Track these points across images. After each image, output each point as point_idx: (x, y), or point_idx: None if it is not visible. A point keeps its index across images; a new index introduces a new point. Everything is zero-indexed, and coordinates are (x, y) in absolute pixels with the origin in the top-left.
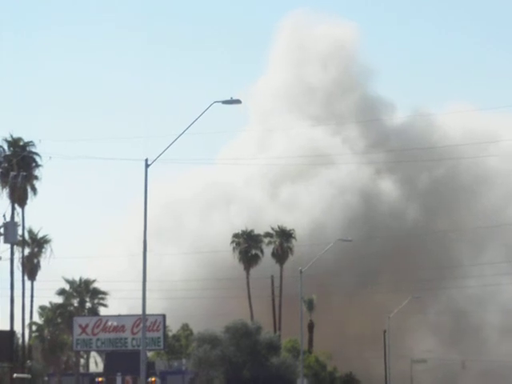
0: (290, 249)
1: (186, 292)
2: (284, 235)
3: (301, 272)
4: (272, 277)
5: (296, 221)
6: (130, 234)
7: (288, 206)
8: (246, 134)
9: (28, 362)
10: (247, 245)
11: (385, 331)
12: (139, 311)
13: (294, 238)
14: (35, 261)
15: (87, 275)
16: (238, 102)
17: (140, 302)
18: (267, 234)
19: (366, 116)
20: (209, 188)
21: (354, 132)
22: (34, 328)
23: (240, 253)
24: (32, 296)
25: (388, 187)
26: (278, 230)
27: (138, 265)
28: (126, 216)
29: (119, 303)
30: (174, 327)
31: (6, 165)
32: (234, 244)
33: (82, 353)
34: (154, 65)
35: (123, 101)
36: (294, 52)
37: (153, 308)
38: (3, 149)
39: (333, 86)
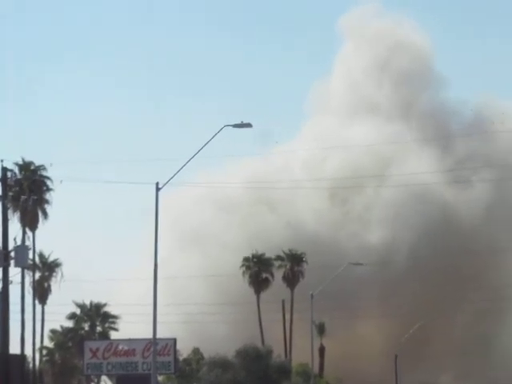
0: (301, 273)
1: (195, 316)
2: (295, 259)
3: (312, 296)
4: (283, 301)
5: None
6: (142, 257)
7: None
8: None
9: None
10: (257, 268)
11: (396, 356)
12: (151, 335)
13: (306, 261)
14: (46, 285)
15: (98, 299)
16: (248, 125)
17: (151, 325)
18: (278, 258)
19: (443, 125)
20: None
21: (438, 148)
22: (44, 352)
23: (250, 276)
24: (43, 320)
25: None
26: (288, 253)
27: (149, 289)
28: (136, 240)
29: (133, 327)
30: (184, 351)
31: (17, 189)
32: (244, 268)
33: (92, 377)
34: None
35: (135, 122)
36: (358, 54)
37: (164, 332)
38: (14, 173)
39: (404, 92)
